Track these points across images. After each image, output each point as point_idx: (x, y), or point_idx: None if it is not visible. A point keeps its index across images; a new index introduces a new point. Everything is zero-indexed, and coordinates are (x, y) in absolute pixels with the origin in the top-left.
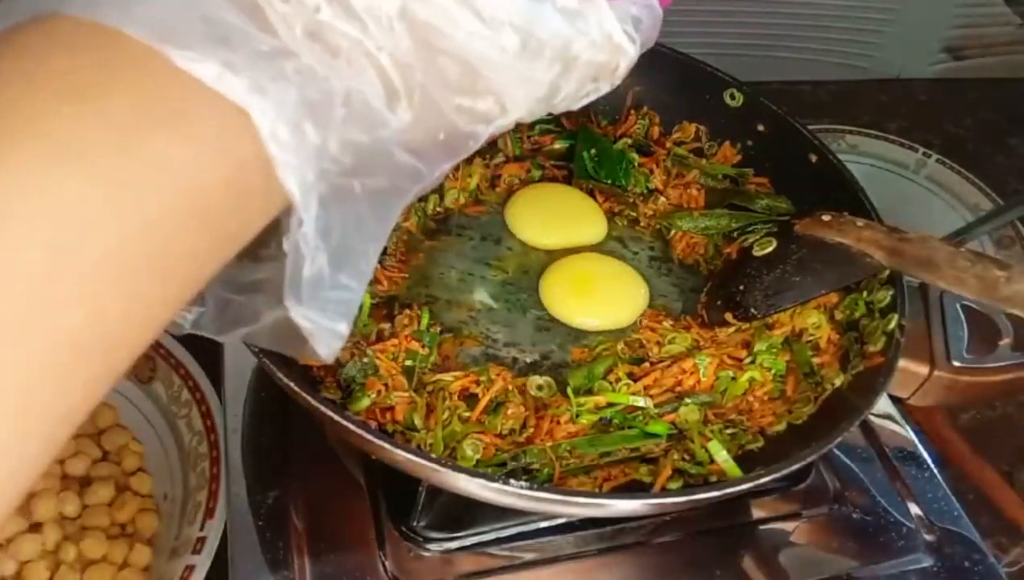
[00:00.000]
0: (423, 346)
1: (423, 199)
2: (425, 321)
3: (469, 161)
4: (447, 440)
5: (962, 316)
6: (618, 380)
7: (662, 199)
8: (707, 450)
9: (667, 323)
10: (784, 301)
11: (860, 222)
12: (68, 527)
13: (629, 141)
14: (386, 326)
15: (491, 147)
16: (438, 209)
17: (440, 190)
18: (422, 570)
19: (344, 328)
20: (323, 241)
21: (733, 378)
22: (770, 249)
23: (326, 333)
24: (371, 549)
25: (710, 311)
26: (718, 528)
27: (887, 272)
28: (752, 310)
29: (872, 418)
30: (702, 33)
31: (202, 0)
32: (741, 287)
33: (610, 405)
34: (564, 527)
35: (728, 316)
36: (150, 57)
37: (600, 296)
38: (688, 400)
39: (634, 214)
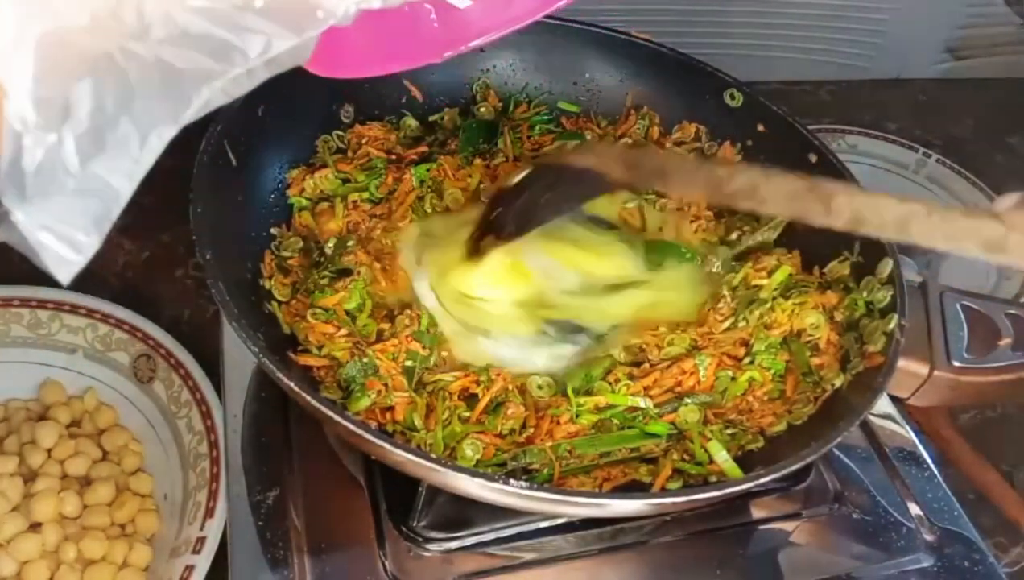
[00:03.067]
0: (423, 346)
1: (420, 198)
2: (425, 322)
3: (469, 161)
4: (447, 440)
5: (962, 316)
6: (617, 381)
7: (662, 200)
8: (707, 450)
9: (663, 327)
10: (536, 219)
11: (602, 145)
12: (68, 527)
13: (629, 141)
14: (386, 326)
15: (491, 147)
16: (436, 208)
17: (439, 189)
18: (422, 570)
19: (85, 239)
20: (57, 119)
21: (733, 378)
22: (520, 176)
23: (60, 245)
24: (371, 549)
25: (473, 245)
26: (718, 528)
27: (888, 272)
28: (508, 228)
29: (872, 418)
30: (702, 33)
31: None
32: (500, 210)
33: (610, 406)
34: (564, 527)
35: (488, 240)
36: None
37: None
38: (688, 400)
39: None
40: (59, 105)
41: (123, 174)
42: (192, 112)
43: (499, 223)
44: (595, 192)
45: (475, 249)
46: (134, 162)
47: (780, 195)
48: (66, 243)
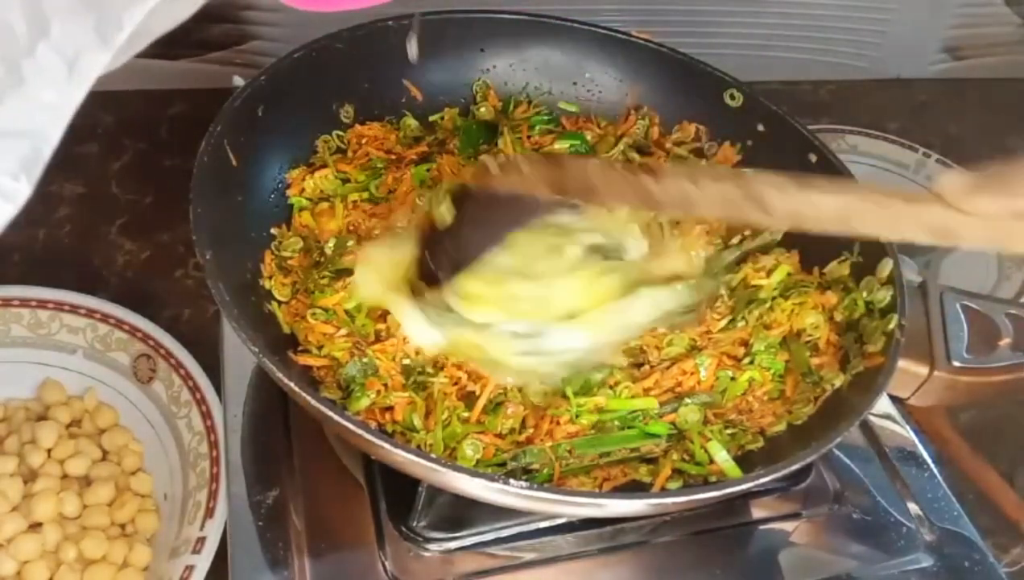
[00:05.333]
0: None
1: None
2: None
3: (472, 160)
4: (447, 440)
5: (962, 316)
6: (617, 383)
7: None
8: (707, 450)
9: (662, 328)
10: (468, 259)
11: (525, 162)
12: (68, 527)
13: (629, 141)
14: (383, 326)
15: (491, 148)
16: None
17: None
18: (422, 570)
19: (14, 184)
20: None
21: (733, 378)
22: (450, 219)
23: None
24: (371, 549)
25: (411, 288)
26: (718, 528)
27: (888, 272)
28: (440, 275)
29: (872, 418)
30: (702, 33)
31: None
32: (429, 255)
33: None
34: (564, 527)
35: (422, 288)
36: None
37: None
38: (688, 400)
39: None
40: None
41: (49, 109)
42: (125, 36)
43: (430, 272)
44: (526, 217)
45: (415, 291)
46: (60, 95)
47: (713, 201)
48: None
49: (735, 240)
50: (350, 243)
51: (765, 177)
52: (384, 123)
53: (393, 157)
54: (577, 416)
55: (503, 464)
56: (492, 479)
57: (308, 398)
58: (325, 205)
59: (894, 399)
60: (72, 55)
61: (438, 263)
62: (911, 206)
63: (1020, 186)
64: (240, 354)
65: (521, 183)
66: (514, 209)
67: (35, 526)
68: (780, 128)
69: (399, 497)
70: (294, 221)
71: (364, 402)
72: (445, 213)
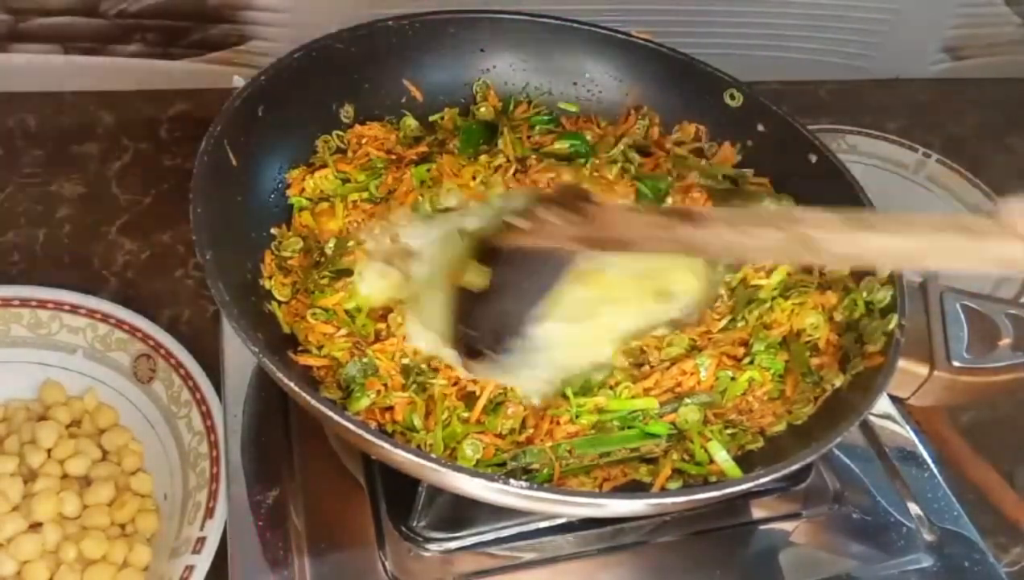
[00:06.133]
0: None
1: (421, 195)
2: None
3: (472, 160)
4: (447, 440)
5: (962, 316)
6: (617, 383)
7: (667, 201)
8: (707, 450)
9: (662, 329)
10: (510, 330)
11: (553, 217)
12: (68, 527)
13: (629, 141)
14: (382, 326)
15: (491, 148)
16: (438, 208)
17: (438, 189)
18: (422, 570)
19: None
20: None
21: (733, 378)
22: (484, 282)
23: None
24: (371, 549)
25: (462, 352)
26: (718, 528)
27: (888, 272)
28: (486, 350)
29: (872, 418)
30: (702, 33)
31: None
32: (474, 333)
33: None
34: (564, 527)
35: (469, 363)
36: None
37: None
38: (688, 400)
39: None
40: None
41: None
42: None
43: (475, 345)
44: (561, 272)
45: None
46: None
47: (762, 247)
48: None
49: None
50: (350, 243)
51: (816, 217)
52: (384, 123)
53: (393, 157)
54: (577, 416)
55: (503, 464)
56: (492, 479)
57: (308, 398)
58: (325, 205)
59: (894, 399)
60: None
61: (480, 342)
62: (977, 240)
63: None
64: (240, 354)
65: (556, 241)
66: (548, 266)
67: (35, 526)
68: (780, 128)
69: (399, 497)
70: (294, 221)
71: (364, 402)
72: (478, 279)
